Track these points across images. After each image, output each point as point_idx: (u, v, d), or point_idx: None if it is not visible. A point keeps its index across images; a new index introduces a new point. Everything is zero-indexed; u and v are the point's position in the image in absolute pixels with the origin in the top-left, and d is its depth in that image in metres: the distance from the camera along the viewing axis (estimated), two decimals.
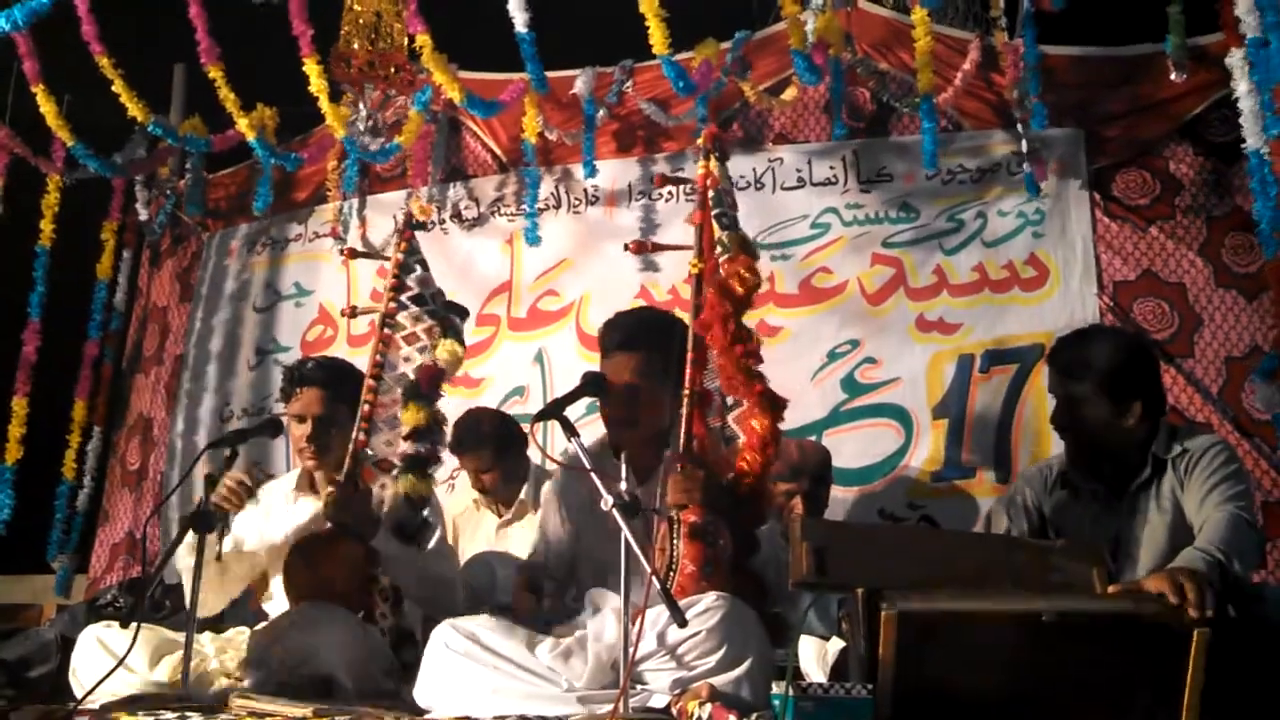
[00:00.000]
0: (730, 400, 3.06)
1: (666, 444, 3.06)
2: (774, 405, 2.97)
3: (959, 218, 4.61)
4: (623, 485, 2.70)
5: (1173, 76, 4.39)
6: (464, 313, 3.64)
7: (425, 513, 3.35)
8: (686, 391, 2.93)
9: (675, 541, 2.75)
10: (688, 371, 2.97)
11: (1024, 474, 3.27)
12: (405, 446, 3.36)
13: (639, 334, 3.17)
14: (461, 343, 3.51)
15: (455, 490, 4.67)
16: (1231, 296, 4.31)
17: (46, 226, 5.53)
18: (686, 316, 3.11)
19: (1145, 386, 3.00)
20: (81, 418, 5.73)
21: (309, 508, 3.52)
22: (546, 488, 3.42)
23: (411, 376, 3.44)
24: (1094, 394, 2.94)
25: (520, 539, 3.97)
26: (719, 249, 3.06)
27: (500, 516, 4.25)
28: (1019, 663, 2.27)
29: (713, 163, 3.11)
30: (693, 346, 3.02)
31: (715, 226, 3.09)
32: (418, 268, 3.59)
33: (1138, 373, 3.00)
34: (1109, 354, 2.99)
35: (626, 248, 3.50)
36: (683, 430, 2.93)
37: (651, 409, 3.09)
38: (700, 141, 3.22)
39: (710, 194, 3.09)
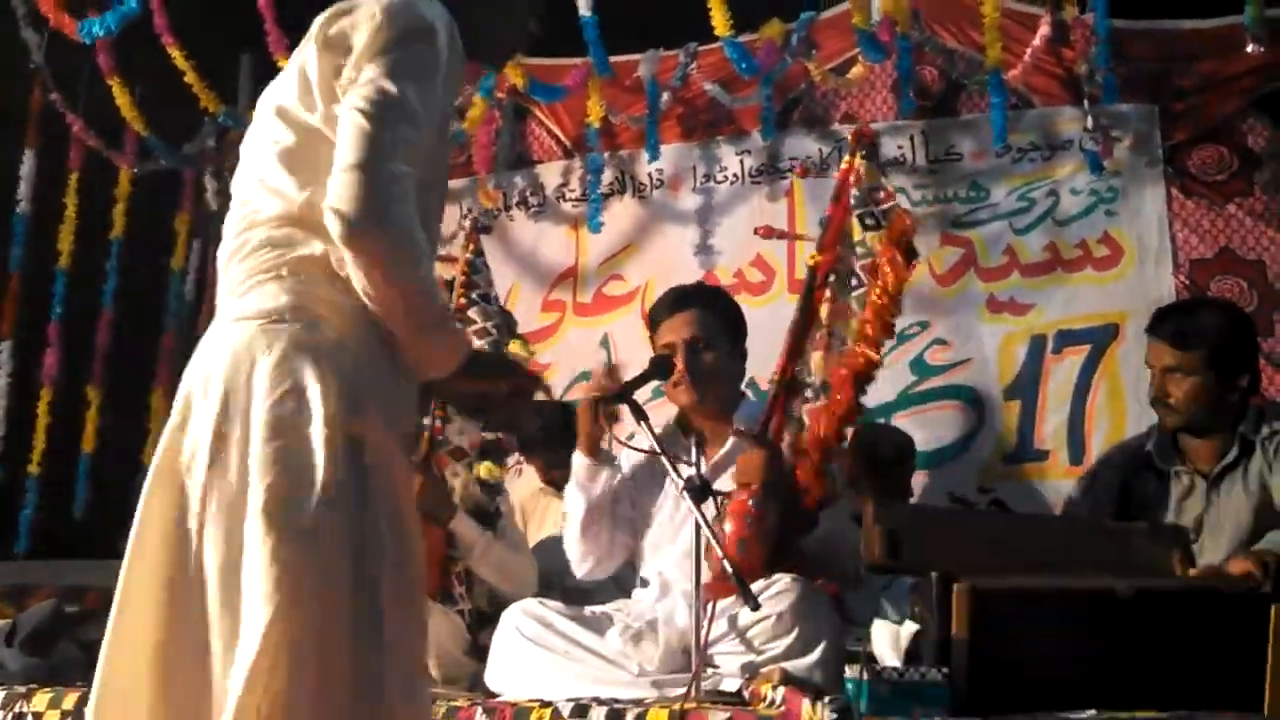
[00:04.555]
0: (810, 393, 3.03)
1: (731, 422, 3.08)
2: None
3: (1029, 196, 4.52)
4: (692, 470, 2.69)
5: (1249, 49, 4.25)
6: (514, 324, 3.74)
7: (499, 498, 3.44)
8: (776, 377, 2.93)
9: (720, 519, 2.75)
10: (779, 360, 2.96)
11: (1106, 454, 3.20)
12: (480, 434, 3.43)
13: (689, 296, 3.23)
14: (526, 342, 3.65)
15: (522, 476, 4.69)
16: None
17: (118, 218, 5.60)
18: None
19: (1251, 361, 2.91)
20: (160, 407, 5.80)
21: None
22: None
23: None
24: (1203, 365, 2.84)
25: None
26: (859, 250, 2.99)
27: None
28: (1095, 643, 2.24)
29: (858, 160, 3.07)
30: (790, 333, 3.03)
31: (858, 226, 3.02)
32: (484, 268, 3.71)
33: (1247, 345, 2.92)
34: (1221, 324, 2.89)
35: (757, 232, 3.72)
36: (765, 412, 2.93)
37: (715, 371, 3.08)
38: (849, 138, 3.20)
39: (854, 192, 3.04)
